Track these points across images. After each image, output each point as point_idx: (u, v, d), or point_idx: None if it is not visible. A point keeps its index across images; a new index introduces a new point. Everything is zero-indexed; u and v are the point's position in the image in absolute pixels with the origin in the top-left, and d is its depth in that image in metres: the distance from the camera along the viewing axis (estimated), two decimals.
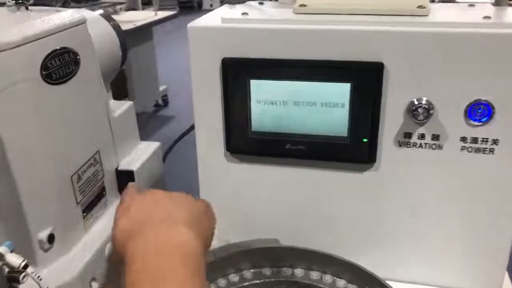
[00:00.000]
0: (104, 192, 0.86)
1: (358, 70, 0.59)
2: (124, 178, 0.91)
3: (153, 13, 4.03)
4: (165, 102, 4.35)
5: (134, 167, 0.91)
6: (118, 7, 4.12)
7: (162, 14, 4.06)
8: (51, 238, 0.72)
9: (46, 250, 0.72)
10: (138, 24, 3.54)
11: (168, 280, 0.45)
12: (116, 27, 0.95)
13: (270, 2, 0.72)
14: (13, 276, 0.47)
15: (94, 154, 0.83)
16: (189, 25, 0.62)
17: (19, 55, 0.65)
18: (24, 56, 0.66)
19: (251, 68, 0.62)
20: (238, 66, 0.62)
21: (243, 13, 0.64)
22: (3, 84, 0.63)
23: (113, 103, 0.91)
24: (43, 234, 0.71)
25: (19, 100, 0.66)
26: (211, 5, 9.43)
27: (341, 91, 0.60)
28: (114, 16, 1.03)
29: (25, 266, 0.48)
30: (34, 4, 0.82)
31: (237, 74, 0.62)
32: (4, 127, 0.64)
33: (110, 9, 3.92)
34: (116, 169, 0.90)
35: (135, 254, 0.49)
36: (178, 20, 4.21)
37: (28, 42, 0.66)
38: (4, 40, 0.63)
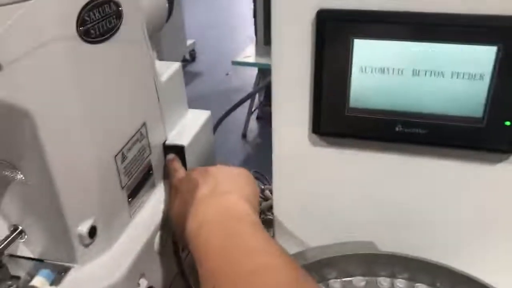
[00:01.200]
0: (151, 172, 0.74)
1: (506, 30, 0.43)
2: (174, 154, 0.78)
3: None
4: (193, 57, 4.20)
5: (184, 141, 0.78)
6: None
7: None
8: (92, 231, 0.60)
9: (87, 246, 0.61)
10: None
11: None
12: None
13: None
14: None
15: (141, 128, 0.69)
16: None
17: (50, 6, 0.50)
18: (56, 7, 0.51)
19: (356, 23, 0.46)
20: (339, 20, 0.46)
21: None
22: (32, 44, 0.49)
23: (158, 64, 0.77)
24: (84, 227, 0.59)
25: (52, 64, 0.52)
26: None
27: (481, 56, 0.44)
28: None
29: None
30: None
31: (337, 31, 0.47)
32: (34, 99, 0.51)
33: None
34: (164, 143, 0.77)
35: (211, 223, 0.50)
36: None
37: None
38: None
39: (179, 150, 0.78)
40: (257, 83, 3.23)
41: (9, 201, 0.58)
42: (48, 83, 0.52)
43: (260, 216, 0.89)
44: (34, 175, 0.56)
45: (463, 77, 0.45)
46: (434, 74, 0.46)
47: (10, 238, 0.59)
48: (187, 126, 0.82)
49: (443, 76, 0.46)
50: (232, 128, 2.86)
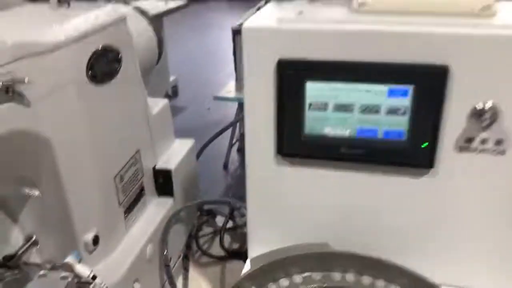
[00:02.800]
0: (143, 192, 0.86)
1: (421, 73, 0.57)
2: (162, 177, 0.90)
3: (163, 2, 3.99)
4: (175, 93, 4.33)
5: (172, 165, 0.90)
6: None
7: (173, 4, 4.02)
8: (96, 240, 0.72)
9: (91, 252, 0.72)
10: (149, 14, 3.50)
11: None
12: (152, 21, 0.93)
13: None
14: (82, 286, 0.46)
15: (135, 154, 0.82)
16: (244, 26, 0.60)
17: (66, 55, 0.63)
18: (71, 56, 0.64)
19: (308, 69, 0.60)
20: (294, 67, 0.60)
21: (299, 12, 0.62)
22: (51, 87, 0.62)
23: (149, 100, 0.90)
24: (89, 236, 0.70)
25: (67, 103, 0.64)
26: None
27: (403, 94, 0.58)
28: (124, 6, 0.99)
29: (94, 277, 0.47)
30: None
31: (293, 75, 0.61)
32: (53, 131, 0.63)
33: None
34: (154, 167, 0.90)
35: None
36: (187, 9, 4.17)
37: (73, 42, 0.64)
38: (51, 41, 0.61)
39: (167, 174, 0.90)
40: (237, 115, 3.37)
41: (26, 214, 0.69)
42: (64, 117, 0.65)
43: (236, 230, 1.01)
44: (49, 192, 0.67)
45: (390, 109, 0.59)
46: (369, 107, 0.60)
47: (26, 247, 0.70)
48: (174, 153, 0.95)
49: (375, 109, 0.60)
50: (214, 159, 2.96)
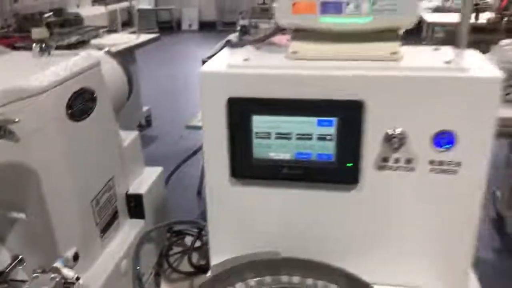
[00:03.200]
0: (116, 215, 0.96)
1: (342, 107, 0.71)
2: (134, 201, 1.01)
3: (135, 35, 4.13)
4: (149, 123, 4.43)
5: (142, 190, 1.01)
6: (101, 31, 4.21)
7: (145, 36, 4.16)
8: (76, 256, 0.82)
9: (71, 267, 0.81)
10: (121, 47, 3.62)
11: None
12: (121, 63, 1.06)
13: (265, 46, 0.84)
14: (68, 286, 0.56)
15: (109, 181, 0.93)
16: (200, 70, 0.73)
17: (49, 98, 0.75)
18: (53, 99, 0.76)
19: (253, 106, 0.73)
20: (242, 104, 0.73)
21: (245, 59, 0.75)
22: (38, 125, 0.73)
23: (121, 133, 1.01)
24: (69, 253, 0.80)
25: (50, 138, 0.76)
26: (189, 25, 9.54)
27: (329, 124, 0.72)
28: (97, 40, 1.11)
29: (77, 278, 0.57)
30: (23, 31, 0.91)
31: (241, 111, 0.74)
32: (39, 163, 0.74)
33: (94, 33, 4.00)
34: (126, 193, 1.00)
35: None
36: (159, 41, 4.32)
37: (56, 86, 0.76)
38: (36, 86, 0.73)
39: (138, 198, 1.01)
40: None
41: (12, 235, 0.79)
42: (48, 150, 0.76)
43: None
44: (35, 215, 0.78)
45: (320, 136, 0.73)
46: (303, 135, 0.73)
47: (12, 265, 0.80)
48: (144, 179, 1.06)
49: (308, 136, 0.73)
50: (188, 186, 3.06)
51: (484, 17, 4.64)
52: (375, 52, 0.73)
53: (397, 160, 0.73)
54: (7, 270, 0.78)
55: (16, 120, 0.67)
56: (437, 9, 5.55)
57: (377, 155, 0.73)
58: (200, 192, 3.19)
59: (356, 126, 0.71)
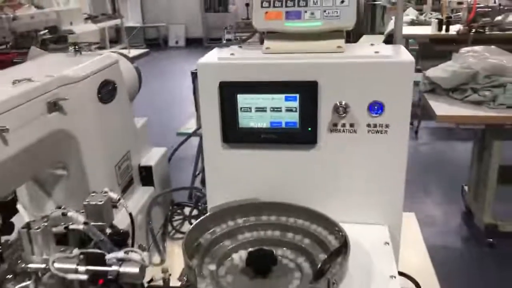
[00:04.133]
0: (132, 181, 1.22)
1: (302, 86, 0.98)
2: (145, 171, 1.26)
3: (126, 51, 4.40)
4: None
5: (152, 163, 1.27)
6: (93, 46, 4.46)
7: (135, 52, 4.42)
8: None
9: None
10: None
11: None
12: (132, 63, 1.32)
13: (247, 45, 1.11)
14: (113, 204, 0.81)
15: (127, 153, 1.18)
16: (198, 61, 1.00)
17: (86, 84, 1.01)
18: (88, 85, 1.02)
19: (238, 87, 1.00)
20: (229, 86, 1.00)
21: (231, 54, 1.02)
22: (79, 104, 0.99)
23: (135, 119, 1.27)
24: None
25: (87, 114, 1.02)
26: (176, 42, 9.81)
27: (293, 99, 0.99)
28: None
29: (119, 199, 0.82)
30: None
31: (229, 91, 1.00)
32: (79, 131, 1.00)
33: (86, 48, 4.25)
34: (139, 165, 1.26)
35: None
36: (148, 57, 4.59)
37: (89, 76, 1.02)
38: (78, 75, 0.99)
39: (148, 169, 1.26)
40: (198, 149, 3.74)
41: (57, 190, 1.04)
42: (85, 122, 1.01)
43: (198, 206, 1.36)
44: (74, 173, 1.03)
45: (288, 108, 0.99)
46: (275, 108, 1.00)
47: None
48: (152, 156, 1.32)
49: (279, 109, 1.00)
50: (181, 193, 3.30)
51: (455, 29, 5.00)
52: (325, 46, 1.00)
53: (343, 125, 1.00)
54: None
55: (66, 98, 0.93)
56: (412, 23, 5.90)
57: (329, 121, 1.00)
58: (191, 197, 3.42)
59: (313, 100, 0.98)
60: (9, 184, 0.84)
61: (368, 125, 0.99)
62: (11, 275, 0.68)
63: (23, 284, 0.68)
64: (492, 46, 3.06)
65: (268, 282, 0.89)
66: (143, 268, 0.66)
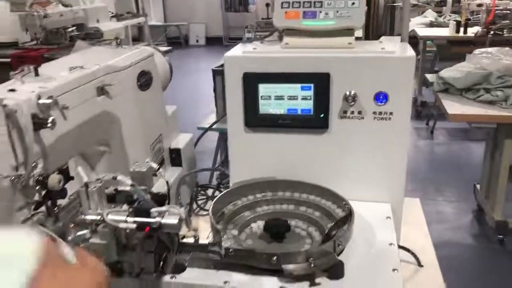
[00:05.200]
0: (163, 161, 1.36)
1: (316, 77, 1.11)
2: (175, 153, 1.41)
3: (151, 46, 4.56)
4: None
5: (180, 146, 1.42)
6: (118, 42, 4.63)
7: (160, 48, 4.59)
8: None
9: None
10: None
11: None
12: (165, 57, 1.47)
13: (268, 41, 1.25)
14: (154, 174, 0.96)
15: (159, 136, 1.33)
16: (225, 55, 1.14)
17: (128, 73, 1.16)
18: (129, 74, 1.17)
19: (259, 78, 1.14)
20: (252, 77, 1.14)
21: (254, 48, 1.16)
22: (122, 89, 1.14)
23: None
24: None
25: (128, 98, 1.17)
26: (197, 41, 10.01)
27: (308, 89, 1.12)
28: None
29: (158, 168, 0.97)
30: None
31: (251, 81, 1.14)
32: (121, 113, 1.15)
33: (110, 45, 4.44)
34: (169, 147, 1.41)
35: None
36: (171, 54, 4.76)
37: (130, 66, 1.17)
38: (121, 65, 1.14)
39: (177, 151, 1.41)
40: (218, 144, 3.91)
41: (100, 164, 1.19)
42: (127, 106, 1.16)
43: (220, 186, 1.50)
44: (116, 149, 1.18)
45: (303, 97, 1.13)
46: (292, 97, 1.13)
47: None
48: (180, 140, 1.47)
49: (296, 97, 1.13)
50: (203, 178, 3.46)
51: (473, 31, 5.06)
52: (338, 42, 1.14)
53: (352, 112, 1.13)
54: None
55: (112, 84, 1.08)
56: (430, 24, 5.95)
57: (339, 109, 1.13)
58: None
59: (325, 90, 1.12)
60: (64, 155, 0.99)
61: (374, 113, 1.12)
62: (72, 225, 0.83)
63: (81, 232, 0.83)
64: (506, 48, 3.15)
65: (282, 246, 1.02)
66: (181, 220, 0.81)
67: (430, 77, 4.31)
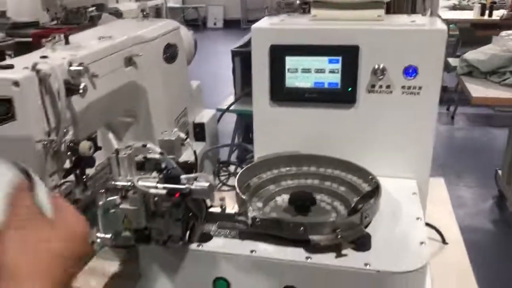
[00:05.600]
0: (188, 135, 1.37)
1: (345, 50, 1.10)
2: (198, 127, 1.41)
3: None
4: None
5: (204, 120, 1.42)
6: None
7: None
8: None
9: None
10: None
11: None
12: (190, 31, 1.47)
13: (294, 13, 1.23)
14: (182, 143, 0.97)
15: (184, 109, 1.34)
16: (252, 26, 1.13)
17: (155, 45, 1.16)
18: (156, 45, 1.17)
19: (287, 50, 1.13)
20: (279, 49, 1.13)
21: (281, 20, 1.15)
22: (148, 60, 1.15)
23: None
24: None
25: (155, 70, 1.17)
26: (214, 24, 9.96)
27: (336, 62, 1.11)
28: None
29: (186, 138, 0.97)
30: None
31: (278, 53, 1.13)
32: (148, 84, 1.15)
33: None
34: (193, 122, 1.41)
35: None
36: None
37: (157, 38, 1.17)
38: (149, 36, 1.14)
39: (201, 125, 1.41)
40: (236, 125, 3.91)
41: (127, 135, 1.20)
42: (153, 77, 1.16)
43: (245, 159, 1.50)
44: (142, 120, 1.18)
45: (331, 70, 1.11)
46: (320, 69, 1.12)
47: None
48: (204, 115, 1.47)
49: (323, 70, 1.12)
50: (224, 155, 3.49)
51: (498, 14, 4.94)
52: (367, 15, 1.12)
53: (380, 86, 1.11)
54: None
55: (140, 54, 1.08)
56: (454, 7, 5.82)
57: (368, 82, 1.12)
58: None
59: (354, 63, 1.10)
60: (93, 124, 1.00)
61: (403, 87, 1.10)
62: (102, 190, 0.84)
63: (112, 197, 0.83)
64: None
65: (308, 219, 1.02)
66: (211, 186, 0.81)
67: (452, 61, 4.23)
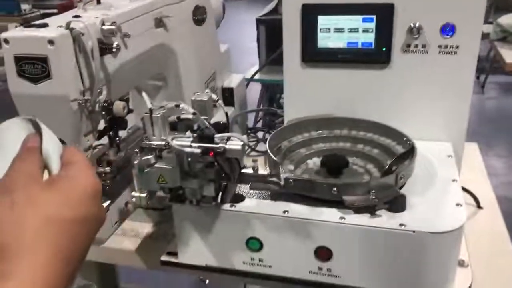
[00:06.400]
0: (218, 98, 1.35)
1: (379, 8, 1.06)
2: (227, 92, 1.40)
3: None
4: None
5: (233, 85, 1.41)
6: None
7: None
8: None
9: None
10: None
11: None
12: None
13: None
14: (214, 104, 0.96)
15: (213, 73, 1.32)
16: None
17: (184, 6, 1.14)
18: (186, 7, 1.15)
19: (319, 9, 1.10)
20: (311, 8, 1.10)
21: None
22: (179, 22, 1.13)
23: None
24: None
25: (185, 32, 1.15)
26: None
27: (370, 20, 1.07)
28: None
29: (218, 100, 0.97)
30: None
31: (310, 13, 1.10)
32: (178, 46, 1.14)
33: None
34: (222, 86, 1.40)
35: None
36: None
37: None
38: None
39: (230, 90, 1.40)
40: (261, 95, 3.88)
41: (158, 98, 1.20)
42: (184, 39, 1.15)
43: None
44: (172, 83, 1.18)
45: (364, 29, 1.08)
46: (353, 29, 1.09)
47: None
48: (233, 80, 1.46)
49: (356, 29, 1.09)
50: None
51: None
52: None
53: (416, 46, 1.08)
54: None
55: (170, 15, 1.07)
56: None
57: (403, 42, 1.08)
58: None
59: (388, 21, 1.06)
60: (125, 85, 1.00)
61: (439, 46, 1.06)
62: (137, 150, 0.85)
63: (147, 157, 0.84)
64: None
65: (340, 181, 1.01)
66: (244, 146, 0.80)
67: (484, 28, 4.07)
